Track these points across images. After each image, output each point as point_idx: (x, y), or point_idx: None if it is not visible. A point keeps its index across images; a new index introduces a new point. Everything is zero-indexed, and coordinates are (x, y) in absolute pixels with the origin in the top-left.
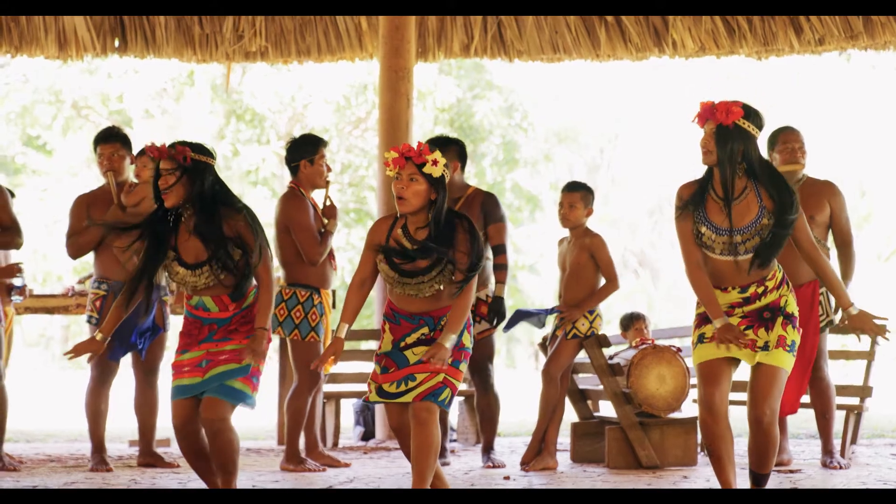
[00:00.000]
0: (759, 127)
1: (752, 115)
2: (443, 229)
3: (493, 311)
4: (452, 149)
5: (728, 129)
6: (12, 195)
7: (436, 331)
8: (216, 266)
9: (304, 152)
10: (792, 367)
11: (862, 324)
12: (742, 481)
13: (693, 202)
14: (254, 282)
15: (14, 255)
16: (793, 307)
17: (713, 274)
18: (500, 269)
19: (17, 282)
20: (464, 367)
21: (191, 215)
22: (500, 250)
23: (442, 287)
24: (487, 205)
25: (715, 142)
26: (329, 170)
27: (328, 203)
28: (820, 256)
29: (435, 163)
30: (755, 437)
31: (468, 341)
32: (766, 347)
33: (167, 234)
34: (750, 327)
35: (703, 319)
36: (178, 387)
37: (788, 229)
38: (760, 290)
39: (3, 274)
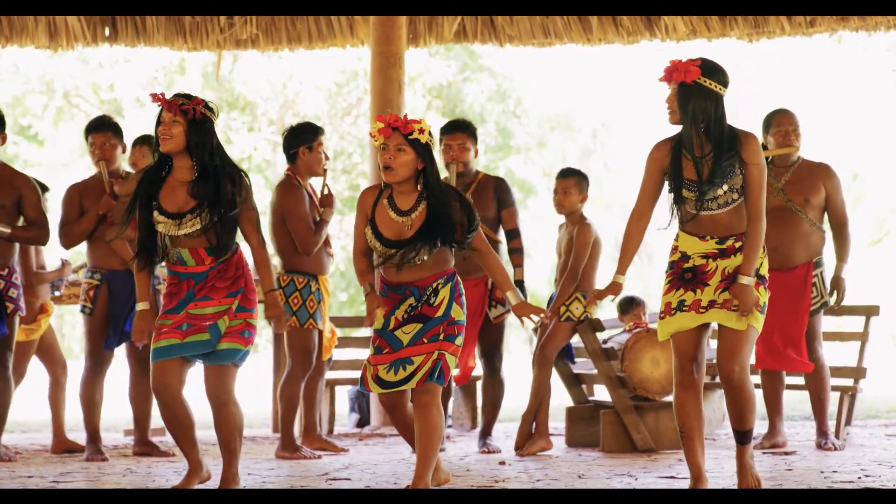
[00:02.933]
0: (724, 84)
1: (713, 71)
2: (437, 200)
3: None
4: (472, 134)
5: (689, 88)
6: (46, 189)
7: (422, 303)
8: (208, 217)
9: (303, 139)
10: (761, 326)
11: (739, 295)
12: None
13: (669, 165)
14: (234, 247)
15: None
16: (765, 269)
17: (693, 222)
18: (517, 252)
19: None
20: (459, 340)
21: (185, 167)
22: (514, 234)
23: (426, 258)
24: (500, 190)
25: (677, 100)
26: (327, 158)
27: (326, 192)
28: (759, 217)
29: (422, 130)
30: (729, 395)
31: (459, 314)
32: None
33: (157, 185)
34: (726, 290)
35: (676, 283)
36: (158, 349)
37: (712, 185)
38: (738, 244)
39: (63, 273)
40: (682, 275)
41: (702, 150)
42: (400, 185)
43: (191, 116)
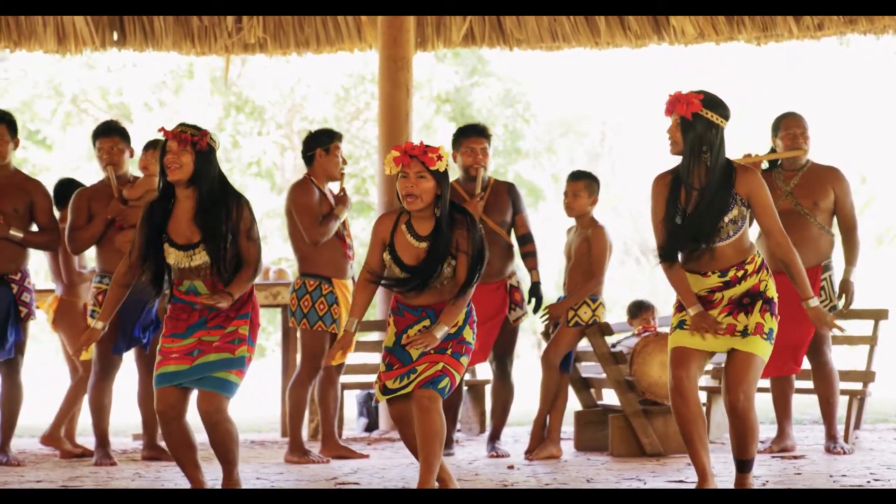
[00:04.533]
0: (725, 117)
1: (714, 104)
2: (445, 225)
3: (533, 296)
4: (490, 139)
5: (691, 120)
6: (76, 186)
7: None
8: (214, 249)
9: (320, 142)
10: (769, 356)
11: (818, 318)
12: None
13: (667, 195)
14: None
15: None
16: (772, 292)
17: (693, 259)
18: (531, 256)
19: None
20: (465, 360)
21: (189, 197)
22: (528, 238)
23: (447, 282)
24: (514, 194)
25: (680, 132)
26: (345, 162)
27: (342, 194)
28: (789, 246)
29: (440, 157)
30: (732, 424)
31: (470, 336)
32: (744, 332)
33: (164, 217)
34: (730, 314)
35: (679, 307)
36: (164, 374)
37: (699, 225)
38: (740, 273)
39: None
40: None
41: (700, 181)
42: (420, 211)
43: (199, 147)
